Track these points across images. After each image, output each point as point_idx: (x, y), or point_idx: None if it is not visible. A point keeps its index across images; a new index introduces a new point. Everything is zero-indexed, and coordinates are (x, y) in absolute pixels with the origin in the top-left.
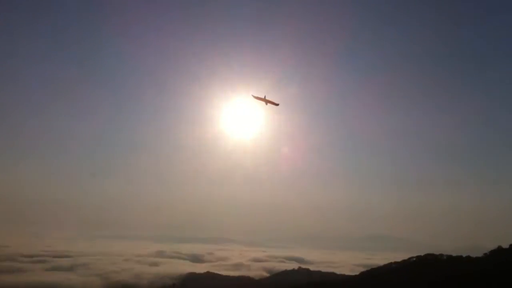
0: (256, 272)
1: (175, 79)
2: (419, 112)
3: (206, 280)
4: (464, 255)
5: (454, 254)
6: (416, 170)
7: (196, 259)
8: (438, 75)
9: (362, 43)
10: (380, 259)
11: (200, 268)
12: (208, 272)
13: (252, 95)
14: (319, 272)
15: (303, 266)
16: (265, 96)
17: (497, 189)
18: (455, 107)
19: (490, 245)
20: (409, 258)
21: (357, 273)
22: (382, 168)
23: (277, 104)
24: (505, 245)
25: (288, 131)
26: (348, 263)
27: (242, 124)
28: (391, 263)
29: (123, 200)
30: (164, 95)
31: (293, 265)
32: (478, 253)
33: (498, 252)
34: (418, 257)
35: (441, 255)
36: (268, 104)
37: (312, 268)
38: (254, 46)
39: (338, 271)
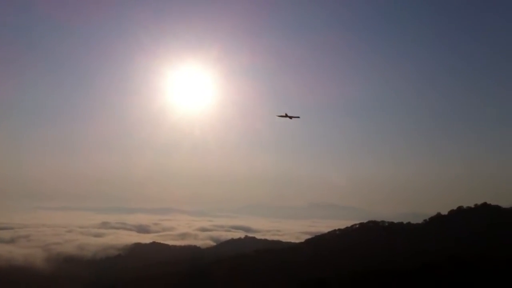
0: (203, 241)
1: (117, 46)
2: (362, 83)
3: (152, 250)
4: (405, 222)
5: (395, 221)
6: (360, 141)
7: (142, 229)
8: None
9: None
10: (325, 226)
11: (146, 239)
12: (154, 243)
13: (276, 115)
14: (265, 241)
15: (250, 235)
16: (286, 114)
17: (435, 159)
18: (393, 79)
19: (430, 212)
20: (352, 225)
21: (303, 240)
22: (327, 139)
23: (298, 117)
24: (444, 212)
25: (237, 101)
26: (293, 231)
27: (189, 94)
28: (335, 230)
29: (65, 171)
30: (105, 63)
31: (240, 234)
32: (419, 220)
33: (438, 219)
34: (361, 224)
35: (383, 222)
36: (291, 118)
37: (258, 236)
38: (201, 16)
39: (284, 239)
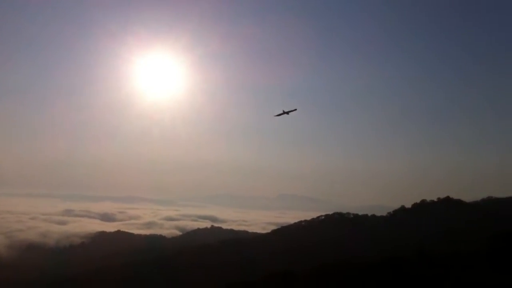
0: (169, 230)
1: (83, 32)
2: (332, 72)
3: (117, 239)
4: (369, 214)
5: (360, 213)
6: (328, 134)
7: (106, 218)
8: None
9: None
10: (291, 217)
11: (110, 227)
12: (118, 231)
13: (274, 115)
14: (231, 231)
15: (216, 225)
16: (283, 110)
17: (400, 154)
18: (367, 71)
19: (394, 205)
20: (318, 217)
21: (269, 231)
22: (295, 130)
23: (295, 109)
24: (408, 205)
25: (207, 89)
26: (260, 221)
27: (158, 81)
28: (301, 222)
29: (29, 157)
30: (70, 48)
31: (206, 224)
32: (383, 212)
33: (401, 212)
34: (326, 215)
35: (348, 213)
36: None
37: (224, 226)
38: (170, 3)
39: (250, 229)
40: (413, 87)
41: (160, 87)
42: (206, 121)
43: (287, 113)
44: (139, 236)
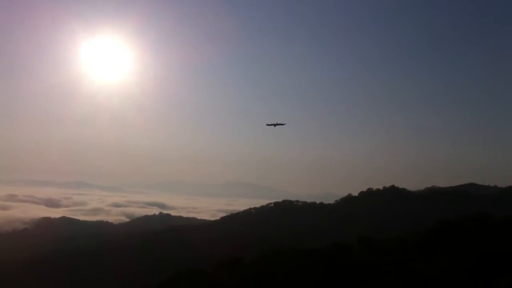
0: (116, 217)
1: (30, 15)
2: (281, 57)
3: (62, 225)
4: (317, 202)
5: (308, 201)
6: (274, 119)
7: (51, 203)
8: None
9: None
10: (241, 205)
11: (55, 213)
12: (64, 217)
13: (266, 124)
14: (180, 218)
15: (164, 212)
16: (276, 122)
17: (347, 142)
18: (315, 62)
19: (342, 193)
20: (268, 204)
21: (218, 218)
22: (246, 117)
23: (284, 124)
24: (355, 193)
25: (159, 74)
26: (209, 208)
27: (107, 65)
28: (250, 209)
29: None
30: (15, 31)
31: (154, 211)
32: (331, 200)
33: (348, 200)
34: (275, 203)
35: (297, 201)
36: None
37: (173, 213)
38: None
39: (200, 216)
40: (364, 73)
41: (109, 70)
42: (156, 107)
43: (275, 125)
44: (85, 222)
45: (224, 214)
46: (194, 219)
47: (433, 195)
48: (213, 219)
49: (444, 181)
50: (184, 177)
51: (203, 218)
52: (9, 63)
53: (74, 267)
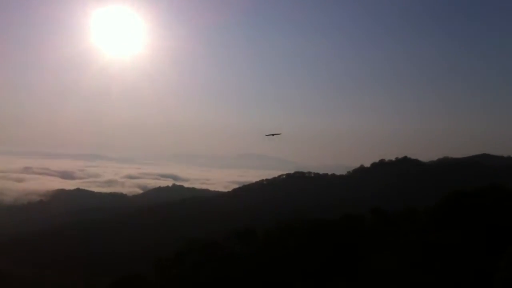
0: (130, 189)
1: None
2: (289, 30)
3: (76, 197)
4: (329, 173)
5: (321, 172)
6: (287, 93)
7: (66, 175)
8: None
9: None
10: (253, 176)
11: (70, 185)
12: (78, 189)
13: (265, 135)
14: (193, 189)
15: (178, 183)
16: (273, 134)
17: (360, 113)
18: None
19: (354, 164)
20: (279, 176)
21: (231, 189)
22: (258, 90)
23: (279, 134)
24: (367, 164)
25: (171, 46)
26: (222, 180)
27: (119, 37)
28: (262, 180)
29: None
30: (24, 3)
31: (168, 182)
32: (343, 171)
33: (360, 170)
34: (287, 174)
35: (309, 173)
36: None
37: (186, 185)
38: None
39: (212, 187)
40: (373, 45)
41: (121, 42)
42: (168, 79)
43: (273, 135)
44: (100, 194)
45: (236, 186)
46: (207, 190)
47: (446, 166)
48: (226, 190)
49: (457, 152)
50: (197, 149)
51: (216, 189)
52: (20, 35)
53: (89, 238)
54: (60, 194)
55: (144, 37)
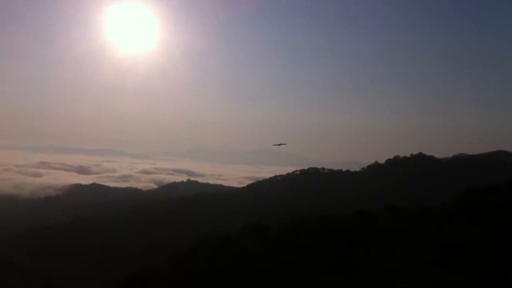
0: (145, 184)
1: None
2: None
3: (92, 192)
4: (344, 169)
5: (335, 168)
6: (299, 88)
7: (82, 170)
8: None
9: None
10: (267, 172)
11: (86, 180)
12: (94, 184)
13: (273, 144)
14: (207, 185)
15: (192, 179)
16: (280, 143)
17: (375, 109)
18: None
19: (368, 160)
20: (294, 172)
21: (245, 185)
22: (272, 85)
23: (286, 144)
24: (381, 161)
25: (185, 41)
26: (236, 176)
27: (133, 33)
28: (276, 176)
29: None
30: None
31: (182, 178)
32: (357, 168)
33: (375, 167)
34: (301, 170)
35: (323, 169)
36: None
37: (201, 180)
38: None
39: (226, 183)
40: (390, 40)
41: (134, 39)
42: (182, 75)
43: (279, 145)
44: (115, 189)
45: (250, 181)
46: (221, 186)
47: (461, 162)
48: (239, 186)
49: (472, 149)
50: (211, 145)
51: (230, 185)
52: (36, 31)
53: (104, 232)
54: (76, 189)
55: (157, 33)
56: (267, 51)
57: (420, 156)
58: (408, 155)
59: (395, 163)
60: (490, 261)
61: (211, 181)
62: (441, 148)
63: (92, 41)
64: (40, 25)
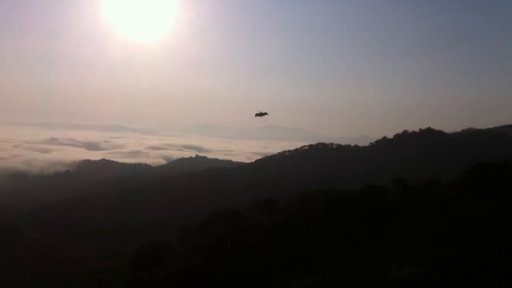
0: (154, 159)
1: None
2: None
3: (102, 167)
4: (352, 145)
5: (343, 143)
6: (312, 64)
7: (91, 146)
8: None
9: None
10: (275, 148)
11: (95, 156)
12: (103, 160)
13: (255, 115)
14: (216, 160)
15: (201, 154)
16: (260, 112)
17: (382, 83)
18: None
19: (377, 135)
20: (302, 147)
21: (253, 160)
22: (280, 61)
23: (266, 114)
24: (390, 136)
25: (193, 19)
26: (245, 151)
27: (141, 9)
28: (285, 152)
29: (9, 84)
30: None
31: (191, 153)
32: (365, 143)
33: (383, 142)
34: (310, 146)
35: (331, 144)
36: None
37: (209, 156)
38: None
39: (235, 159)
40: (398, 16)
41: (143, 14)
42: (191, 52)
43: (261, 114)
44: (124, 164)
45: (259, 157)
46: (230, 161)
47: (471, 137)
48: (248, 161)
49: (481, 123)
50: (219, 121)
51: (239, 160)
52: (43, 8)
53: (114, 208)
54: (86, 165)
55: (166, 9)
56: (278, 26)
57: (429, 130)
58: (417, 130)
59: (404, 138)
60: (500, 234)
61: (220, 156)
62: (450, 122)
63: (100, 17)
64: (44, 7)
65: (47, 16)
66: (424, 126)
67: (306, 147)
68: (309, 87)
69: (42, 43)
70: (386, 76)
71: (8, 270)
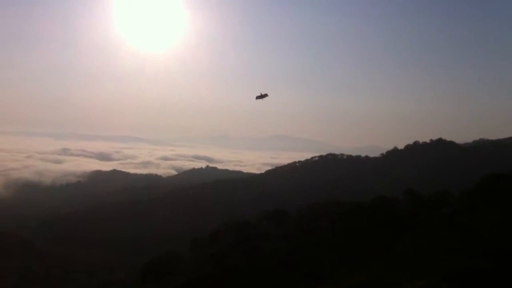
0: (165, 170)
1: None
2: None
3: (113, 178)
4: (362, 155)
5: (353, 154)
6: (320, 74)
7: (103, 157)
8: None
9: None
10: (286, 158)
11: (107, 166)
12: (115, 170)
13: (256, 98)
14: (226, 171)
15: (211, 165)
16: (261, 93)
17: (394, 94)
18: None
19: (387, 146)
20: (312, 158)
21: (263, 171)
22: (290, 71)
23: (267, 95)
24: (401, 146)
25: (204, 29)
26: (255, 162)
27: (152, 19)
28: (295, 162)
29: (22, 95)
30: None
31: (201, 164)
32: (376, 154)
33: (394, 153)
34: (320, 156)
35: (342, 155)
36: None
37: (219, 166)
38: None
39: (245, 169)
40: (411, 25)
41: (154, 26)
42: (201, 62)
43: (261, 96)
44: (135, 175)
45: (269, 168)
46: (240, 172)
47: (482, 148)
48: (258, 172)
49: (493, 134)
50: (229, 131)
51: (249, 171)
52: (56, 20)
53: (125, 218)
54: (97, 175)
55: (177, 20)
56: (288, 35)
57: (440, 141)
58: (428, 141)
59: (415, 148)
60: (511, 246)
61: (230, 167)
62: (461, 133)
63: (111, 29)
64: (62, 11)
65: (60, 28)
66: (435, 137)
67: (317, 158)
68: (320, 98)
69: (55, 54)
70: (398, 87)
71: (19, 281)
